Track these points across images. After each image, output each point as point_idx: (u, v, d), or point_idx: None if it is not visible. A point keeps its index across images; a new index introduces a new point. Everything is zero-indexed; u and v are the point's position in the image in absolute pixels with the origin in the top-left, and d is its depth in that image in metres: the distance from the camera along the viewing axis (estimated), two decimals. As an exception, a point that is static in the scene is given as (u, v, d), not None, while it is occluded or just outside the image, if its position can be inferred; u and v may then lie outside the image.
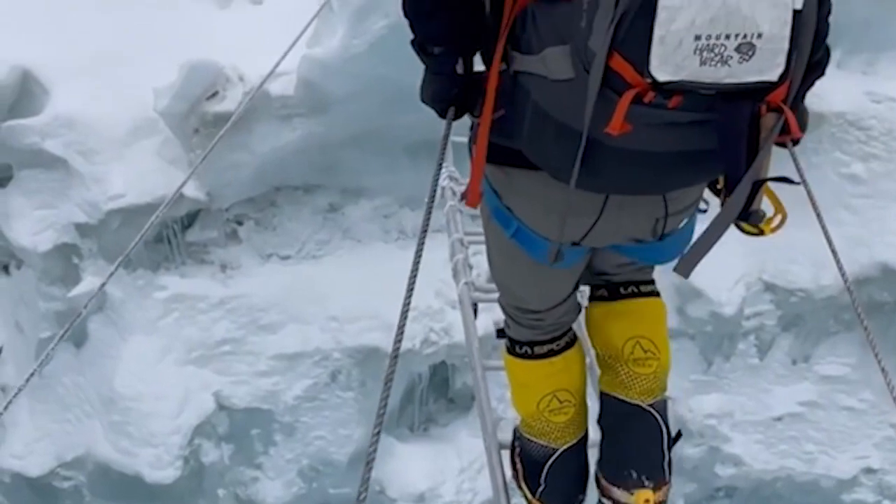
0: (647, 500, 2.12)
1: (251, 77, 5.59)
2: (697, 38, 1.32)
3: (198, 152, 5.78)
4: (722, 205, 1.59)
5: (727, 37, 1.32)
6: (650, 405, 2.14)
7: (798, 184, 1.65)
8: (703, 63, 1.33)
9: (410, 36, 1.80)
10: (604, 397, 2.20)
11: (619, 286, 2.18)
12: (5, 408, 2.37)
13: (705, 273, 6.66)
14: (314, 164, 6.18)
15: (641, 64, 1.35)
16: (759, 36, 1.33)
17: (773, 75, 1.36)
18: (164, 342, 6.32)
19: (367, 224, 6.73)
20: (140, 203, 5.88)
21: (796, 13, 1.35)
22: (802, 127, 1.59)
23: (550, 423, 2.19)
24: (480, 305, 3.18)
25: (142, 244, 6.29)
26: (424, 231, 1.81)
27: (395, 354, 1.54)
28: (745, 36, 1.33)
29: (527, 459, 2.27)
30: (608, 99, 1.39)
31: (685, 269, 1.61)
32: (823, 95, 5.97)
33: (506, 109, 1.67)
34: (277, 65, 4.60)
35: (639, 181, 1.64)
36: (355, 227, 6.70)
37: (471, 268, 3.47)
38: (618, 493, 2.16)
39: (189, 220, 6.40)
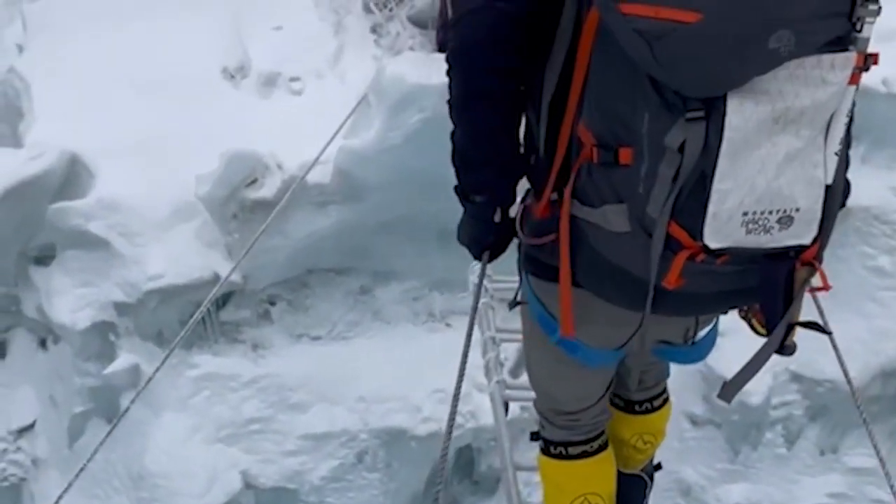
0: None
1: (289, 165, 5.79)
2: (745, 214, 1.53)
3: (235, 236, 5.97)
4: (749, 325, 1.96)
5: (770, 212, 1.54)
6: (641, 469, 2.58)
7: (829, 333, 1.91)
8: (748, 233, 1.55)
9: (454, 182, 1.96)
10: None
11: (635, 404, 2.46)
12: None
13: (732, 361, 6.70)
14: (347, 248, 6.35)
15: (695, 232, 1.55)
16: (797, 210, 1.55)
17: (807, 239, 1.60)
18: (195, 420, 6.41)
19: (396, 306, 6.84)
20: (177, 283, 6.04)
21: (827, 187, 1.57)
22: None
23: None
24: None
25: (177, 323, 6.49)
26: (468, 340, 2.15)
27: (450, 430, 1.88)
28: (784, 211, 1.54)
29: None
30: (664, 256, 1.61)
31: (728, 396, 1.84)
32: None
33: (556, 236, 1.83)
34: (318, 158, 4.82)
35: (682, 310, 1.91)
36: (385, 309, 6.81)
37: (502, 365, 3.56)
38: None
39: (223, 300, 6.55)
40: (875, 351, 6.42)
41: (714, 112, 1.47)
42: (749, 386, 6.62)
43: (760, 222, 1.53)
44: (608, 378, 2.27)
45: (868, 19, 1.49)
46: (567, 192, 1.74)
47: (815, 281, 1.70)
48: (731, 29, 1.43)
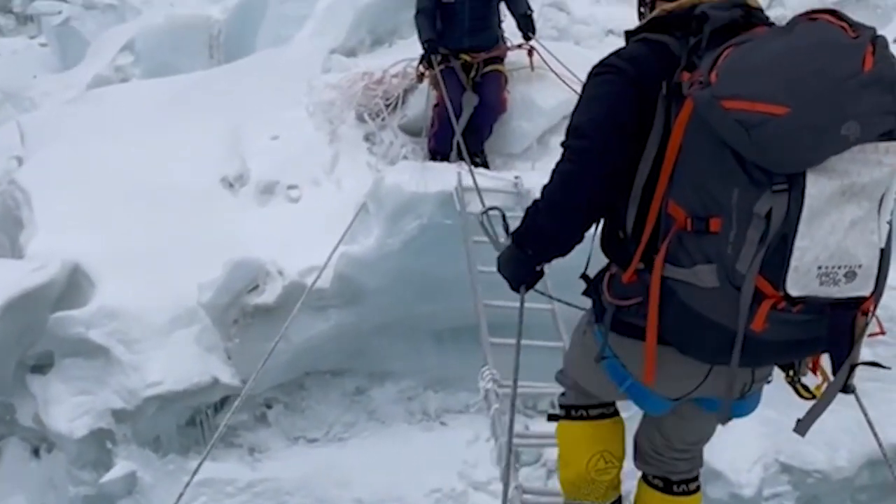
0: None
1: (290, 271, 5.93)
2: (819, 268, 1.88)
3: (236, 341, 6.05)
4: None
5: (839, 267, 1.88)
6: None
7: (888, 368, 2.34)
8: (821, 284, 1.89)
9: (513, 229, 2.44)
10: None
11: (673, 484, 2.71)
12: None
13: (723, 454, 6.80)
14: (344, 350, 6.45)
15: (778, 283, 1.90)
16: (860, 266, 1.90)
17: (867, 291, 1.94)
18: (193, 527, 6.36)
19: (391, 406, 6.91)
20: (177, 390, 6.08)
21: (882, 250, 1.94)
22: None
23: (596, 482, 2.71)
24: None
25: (175, 429, 6.50)
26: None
27: None
28: (850, 266, 1.89)
29: None
30: (751, 307, 1.94)
31: (802, 430, 2.17)
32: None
33: (642, 298, 2.17)
34: (325, 266, 4.98)
35: (756, 360, 2.18)
36: (380, 410, 6.88)
37: (517, 470, 3.66)
38: None
39: (220, 404, 6.58)
40: (861, 441, 6.55)
41: (795, 185, 1.83)
42: (741, 478, 6.71)
43: (831, 275, 1.88)
44: None
45: None
46: (659, 258, 2.07)
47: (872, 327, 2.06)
48: (812, 120, 1.79)
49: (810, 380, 2.31)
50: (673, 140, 2.02)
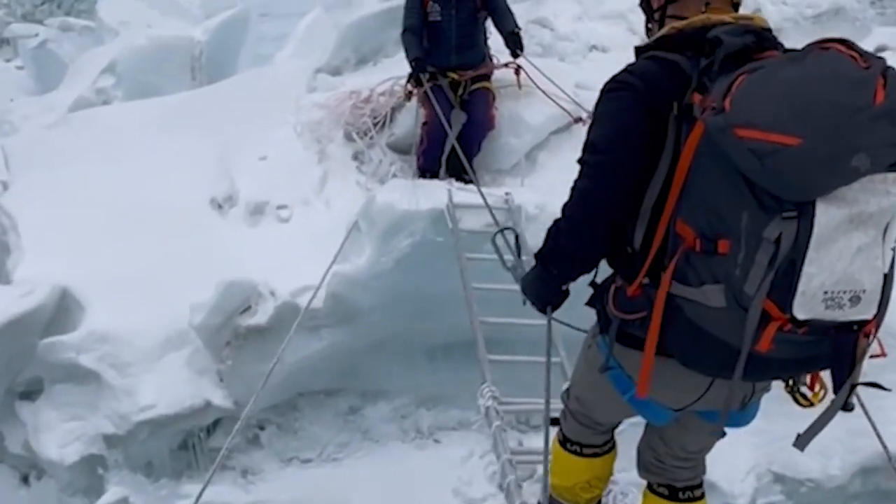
0: None
1: (281, 291, 5.91)
2: (825, 293, 1.94)
3: (228, 363, 6.02)
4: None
5: (844, 292, 1.95)
6: None
7: (888, 390, 2.37)
8: (826, 308, 1.96)
9: (536, 250, 2.48)
10: None
11: (678, 491, 2.78)
12: None
13: (717, 466, 6.82)
14: (337, 369, 6.42)
15: (785, 306, 1.96)
16: (864, 291, 1.97)
17: (870, 315, 2.02)
18: (187, 553, 6.30)
19: (384, 425, 6.88)
20: (169, 413, 6.03)
21: (885, 276, 2.01)
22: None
23: (580, 497, 2.90)
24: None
25: (167, 452, 6.44)
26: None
27: None
28: (854, 291, 1.96)
29: None
30: (758, 328, 2.00)
31: (802, 444, 2.28)
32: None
33: (647, 313, 2.22)
34: (319, 286, 4.97)
35: (760, 376, 2.26)
36: (374, 429, 6.84)
37: (520, 487, 3.66)
38: None
39: (213, 427, 6.53)
40: (852, 449, 6.61)
41: (804, 213, 1.89)
42: (735, 489, 6.75)
43: (836, 300, 1.95)
44: None
45: None
46: (667, 276, 2.14)
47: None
48: (823, 151, 1.84)
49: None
50: (683, 160, 2.07)
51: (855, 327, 2.02)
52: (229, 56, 12.15)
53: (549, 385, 2.74)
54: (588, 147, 2.29)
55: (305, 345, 6.07)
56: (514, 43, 6.60)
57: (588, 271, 2.43)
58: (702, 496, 2.83)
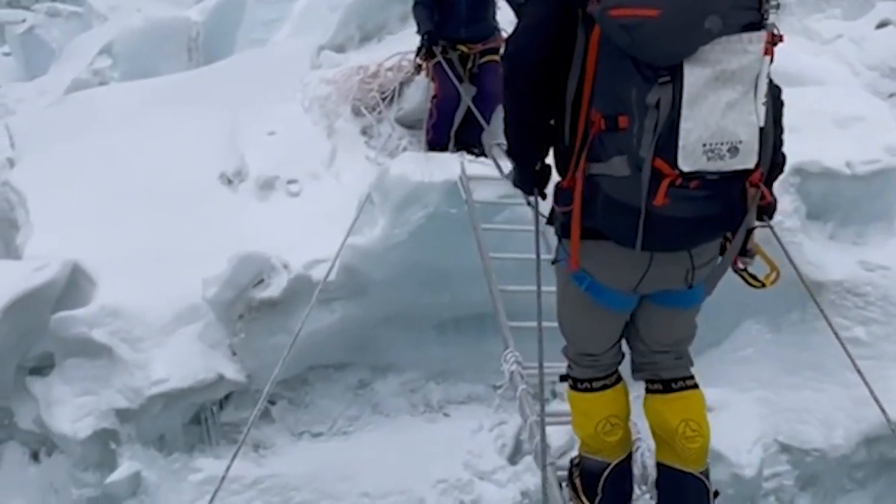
0: None
1: (294, 265, 5.93)
2: (704, 145, 2.22)
3: (241, 336, 6.03)
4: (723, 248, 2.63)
5: (721, 143, 2.22)
6: (700, 472, 2.92)
7: (767, 226, 2.74)
8: (708, 160, 2.23)
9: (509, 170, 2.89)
10: (662, 467, 2.98)
11: (670, 382, 2.94)
12: None
13: (724, 436, 6.89)
14: (348, 343, 6.44)
15: (672, 161, 2.24)
16: (741, 142, 2.24)
17: (750, 164, 2.29)
18: (199, 526, 6.31)
19: (394, 399, 6.91)
20: (181, 387, 6.04)
21: (761, 129, 2.27)
22: (774, 210, 2.69)
23: (605, 442, 2.96)
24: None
25: (179, 427, 6.45)
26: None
27: None
28: (731, 143, 2.23)
29: (586, 474, 3.08)
30: (653, 185, 2.28)
31: (710, 289, 2.66)
32: (821, 265, 6.43)
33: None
34: (335, 261, 4.99)
35: (674, 240, 2.47)
36: (384, 403, 6.88)
37: (549, 447, 3.70)
38: None
39: (224, 401, 6.55)
40: (856, 419, 6.69)
41: (676, 76, 2.19)
42: (742, 459, 6.81)
43: (716, 151, 2.21)
44: (622, 324, 2.89)
45: (771, 11, 2.25)
46: (583, 157, 2.44)
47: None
48: (679, 17, 2.16)
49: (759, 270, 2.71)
50: (589, 55, 2.39)
51: (740, 177, 2.30)
52: (226, 37, 12.09)
53: (540, 270, 2.95)
54: (506, 42, 2.59)
55: (317, 318, 6.05)
56: (523, 16, 6.59)
57: (537, 139, 2.66)
58: (695, 385, 2.97)
